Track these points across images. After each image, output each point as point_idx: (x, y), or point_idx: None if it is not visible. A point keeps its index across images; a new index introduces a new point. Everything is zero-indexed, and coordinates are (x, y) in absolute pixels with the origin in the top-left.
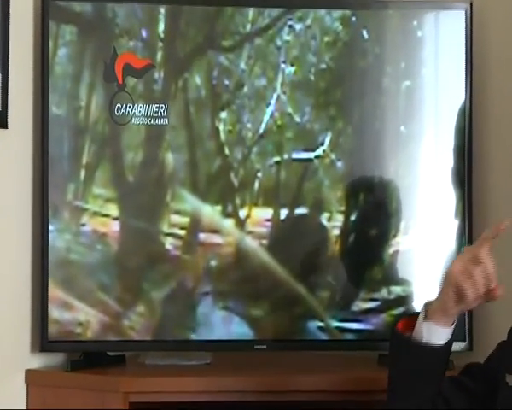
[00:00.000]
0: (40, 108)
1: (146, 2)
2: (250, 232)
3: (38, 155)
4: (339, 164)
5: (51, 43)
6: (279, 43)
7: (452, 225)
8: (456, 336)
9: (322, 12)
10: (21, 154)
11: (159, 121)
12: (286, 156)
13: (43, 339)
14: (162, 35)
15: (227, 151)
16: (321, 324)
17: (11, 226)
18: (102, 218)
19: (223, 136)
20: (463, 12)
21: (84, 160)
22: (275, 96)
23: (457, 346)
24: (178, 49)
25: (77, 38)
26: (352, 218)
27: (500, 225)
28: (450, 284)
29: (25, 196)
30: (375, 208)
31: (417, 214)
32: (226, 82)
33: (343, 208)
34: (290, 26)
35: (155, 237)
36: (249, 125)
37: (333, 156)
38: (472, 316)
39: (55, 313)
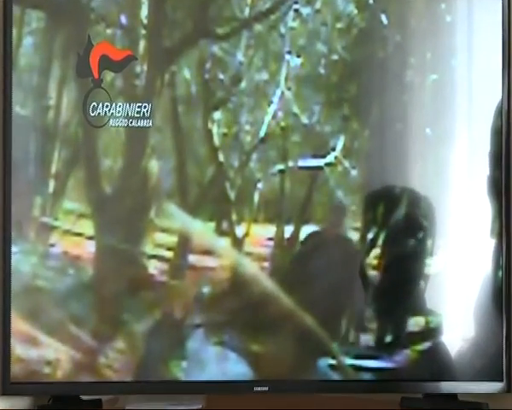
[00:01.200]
0: (2, 107)
1: None
2: (249, 254)
3: None
4: (353, 172)
5: (15, 32)
6: (283, 30)
7: (488, 245)
8: (491, 376)
9: None
10: None
11: (141, 123)
12: (291, 164)
13: (4, 381)
14: (145, 21)
15: (222, 158)
16: (332, 361)
17: None
18: (75, 237)
19: (217, 140)
20: None
21: (54, 168)
22: (278, 92)
23: (493, 387)
24: (164, 38)
25: (45, 26)
26: (370, 236)
27: None
28: None
29: None
30: (396, 225)
31: (447, 232)
32: (221, 76)
33: (358, 225)
34: (296, 10)
35: (137, 260)
36: (248, 128)
37: (346, 164)
38: (510, 353)
39: (18, 349)
